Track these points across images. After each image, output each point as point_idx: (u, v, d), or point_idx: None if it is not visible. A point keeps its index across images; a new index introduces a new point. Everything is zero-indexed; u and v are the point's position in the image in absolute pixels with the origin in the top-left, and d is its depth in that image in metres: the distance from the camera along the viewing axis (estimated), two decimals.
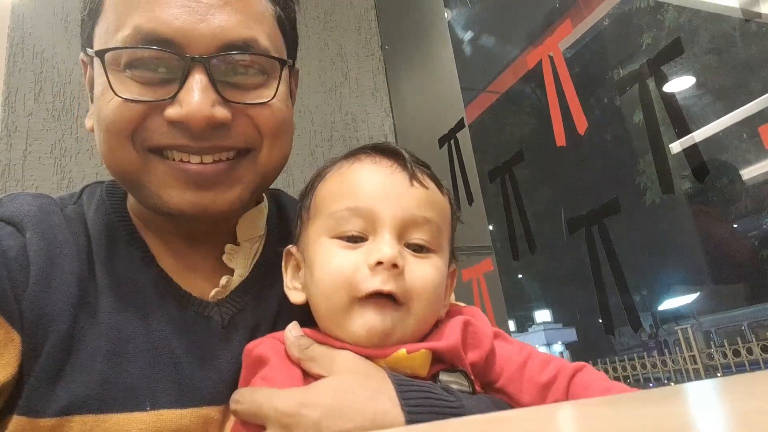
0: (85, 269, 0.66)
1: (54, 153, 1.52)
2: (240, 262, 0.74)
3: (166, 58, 0.62)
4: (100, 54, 0.64)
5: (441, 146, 1.93)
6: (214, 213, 0.65)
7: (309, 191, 0.70)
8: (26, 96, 1.54)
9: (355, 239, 0.62)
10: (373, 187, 0.64)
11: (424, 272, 0.62)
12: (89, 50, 0.68)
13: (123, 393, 0.60)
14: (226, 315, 0.70)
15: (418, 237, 0.64)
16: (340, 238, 0.63)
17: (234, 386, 0.64)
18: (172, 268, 0.71)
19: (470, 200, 1.77)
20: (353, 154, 0.70)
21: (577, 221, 1.30)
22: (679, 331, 4.74)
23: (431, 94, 2.20)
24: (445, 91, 2.16)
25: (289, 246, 0.71)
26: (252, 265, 0.75)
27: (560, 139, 1.35)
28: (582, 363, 0.63)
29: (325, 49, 1.97)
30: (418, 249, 0.64)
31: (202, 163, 0.64)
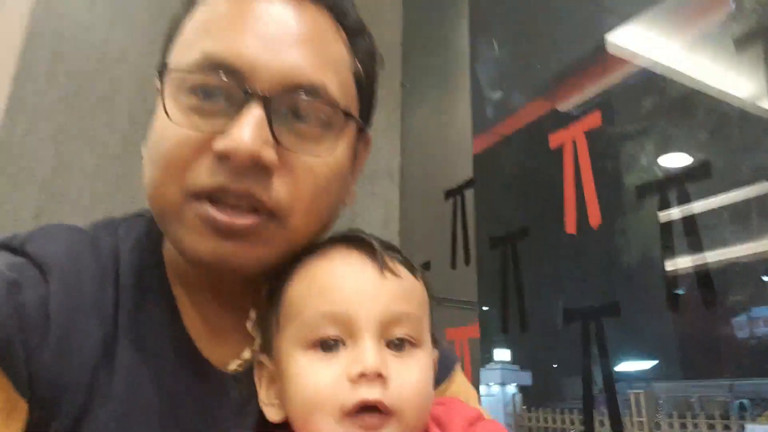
0: (109, 324, 0.60)
1: None
2: None
3: (226, 87, 0.58)
4: (161, 74, 0.59)
5: (446, 198, 1.92)
6: (232, 266, 0.59)
7: (276, 293, 0.63)
8: None
9: (332, 347, 0.57)
10: (346, 287, 0.59)
11: (411, 377, 0.58)
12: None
13: None
14: (244, 391, 0.64)
15: (399, 332, 0.59)
16: (315, 348, 0.58)
17: None
18: (196, 328, 0.66)
19: (467, 261, 1.76)
20: (321, 248, 0.64)
21: (573, 314, 1.29)
22: (632, 396, 4.80)
23: (444, 141, 2.19)
24: (458, 143, 2.15)
25: (261, 356, 0.64)
26: None
27: (571, 227, 1.35)
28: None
29: None
30: (400, 345, 0.59)
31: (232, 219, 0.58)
